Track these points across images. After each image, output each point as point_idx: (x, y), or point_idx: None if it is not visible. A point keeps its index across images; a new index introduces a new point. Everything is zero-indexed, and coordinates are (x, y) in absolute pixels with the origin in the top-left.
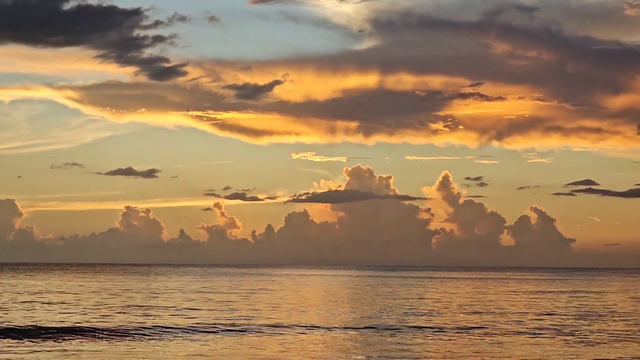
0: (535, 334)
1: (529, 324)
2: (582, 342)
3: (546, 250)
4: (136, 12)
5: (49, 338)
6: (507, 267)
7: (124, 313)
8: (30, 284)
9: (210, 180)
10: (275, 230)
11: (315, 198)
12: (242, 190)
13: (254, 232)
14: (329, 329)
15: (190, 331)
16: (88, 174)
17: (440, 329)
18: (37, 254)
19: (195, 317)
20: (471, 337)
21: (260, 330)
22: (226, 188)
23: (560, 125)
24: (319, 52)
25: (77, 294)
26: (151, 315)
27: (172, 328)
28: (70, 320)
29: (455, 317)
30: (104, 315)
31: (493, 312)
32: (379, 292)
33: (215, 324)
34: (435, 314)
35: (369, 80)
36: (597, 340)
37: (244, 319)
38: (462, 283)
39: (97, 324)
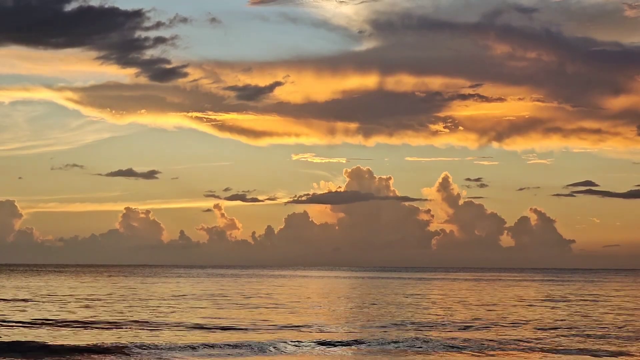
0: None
1: (544, 337)
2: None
3: (546, 251)
4: (137, 14)
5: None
6: (507, 268)
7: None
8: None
9: (210, 182)
10: (275, 232)
11: (315, 199)
12: (242, 191)
13: (254, 233)
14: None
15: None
16: (88, 175)
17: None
18: (37, 255)
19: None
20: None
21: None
22: (226, 189)
23: (560, 126)
24: (318, 54)
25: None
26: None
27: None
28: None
29: (463, 330)
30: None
31: (502, 322)
32: (393, 297)
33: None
34: (446, 326)
35: (369, 81)
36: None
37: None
38: (465, 285)
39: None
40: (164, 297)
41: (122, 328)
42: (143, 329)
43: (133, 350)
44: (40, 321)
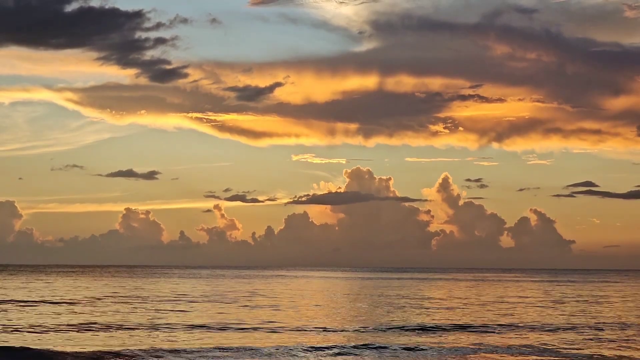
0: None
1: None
2: None
3: (546, 251)
4: (138, 14)
5: None
6: (507, 269)
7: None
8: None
9: (210, 182)
10: (275, 232)
11: (315, 200)
12: (242, 192)
13: (254, 233)
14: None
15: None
16: (88, 175)
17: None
18: (37, 255)
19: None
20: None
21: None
22: (226, 190)
23: (560, 126)
24: (319, 54)
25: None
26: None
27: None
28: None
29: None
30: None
31: (503, 323)
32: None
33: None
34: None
35: (369, 82)
36: None
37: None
38: (465, 286)
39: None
40: (165, 297)
41: (124, 330)
42: (145, 330)
43: (137, 354)
44: (41, 323)
